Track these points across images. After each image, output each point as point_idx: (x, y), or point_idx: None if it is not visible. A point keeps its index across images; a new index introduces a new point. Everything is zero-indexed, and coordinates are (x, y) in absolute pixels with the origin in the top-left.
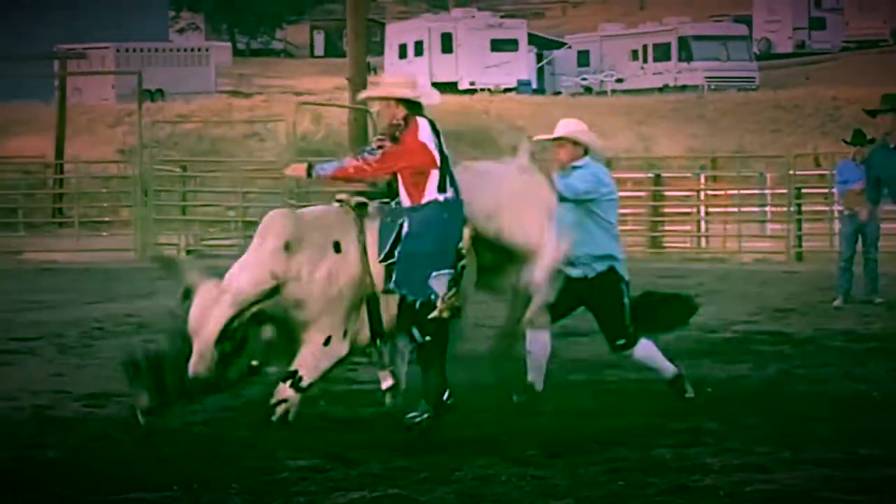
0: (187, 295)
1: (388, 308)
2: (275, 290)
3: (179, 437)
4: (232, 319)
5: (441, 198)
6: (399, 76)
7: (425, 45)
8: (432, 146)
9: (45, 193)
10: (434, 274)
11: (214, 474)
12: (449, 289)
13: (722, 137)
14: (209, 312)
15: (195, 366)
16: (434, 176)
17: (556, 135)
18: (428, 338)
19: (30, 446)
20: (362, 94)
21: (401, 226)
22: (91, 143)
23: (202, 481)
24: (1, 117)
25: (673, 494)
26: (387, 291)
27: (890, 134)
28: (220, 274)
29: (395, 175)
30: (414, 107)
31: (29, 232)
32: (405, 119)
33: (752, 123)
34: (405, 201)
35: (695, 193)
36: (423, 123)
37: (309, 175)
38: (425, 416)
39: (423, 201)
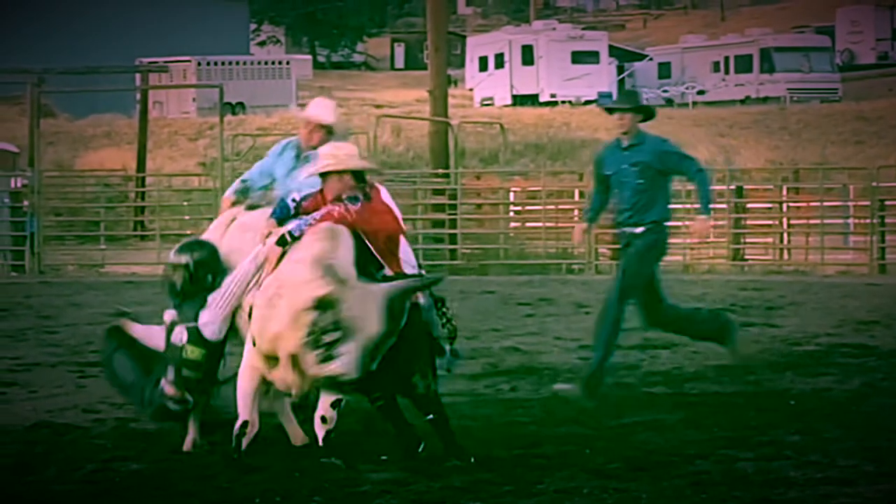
0: None
1: None
2: None
3: (261, 449)
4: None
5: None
6: (347, 147)
7: (506, 58)
8: (396, 210)
9: (127, 206)
10: None
11: (296, 487)
12: None
13: (804, 149)
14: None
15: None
16: (404, 242)
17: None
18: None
19: (113, 459)
20: (312, 171)
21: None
22: (172, 156)
23: (284, 494)
24: (83, 131)
25: None
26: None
27: (627, 133)
28: None
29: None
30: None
31: (110, 245)
32: (362, 184)
33: (835, 135)
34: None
35: (777, 205)
36: (381, 187)
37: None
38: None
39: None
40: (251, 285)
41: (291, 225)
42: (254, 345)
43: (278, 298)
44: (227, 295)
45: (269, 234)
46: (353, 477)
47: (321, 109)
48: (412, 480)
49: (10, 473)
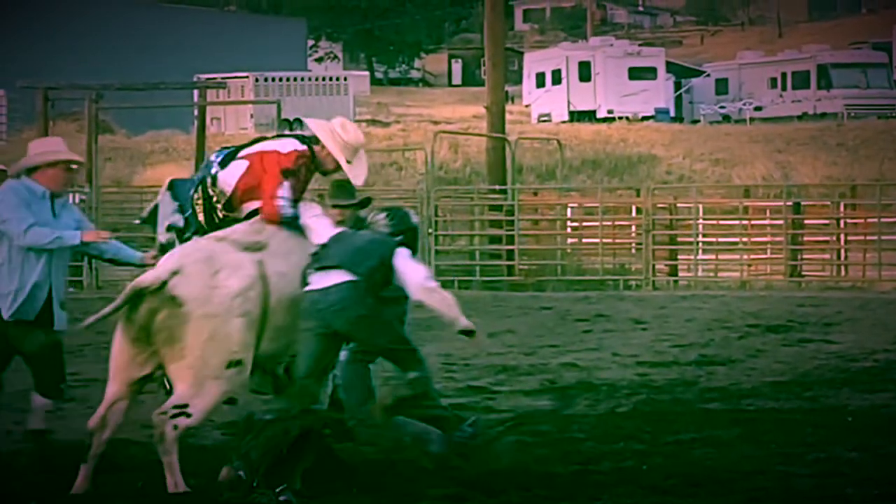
0: None
1: None
2: None
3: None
4: None
5: None
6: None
7: (563, 74)
8: None
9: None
10: None
11: (354, 502)
12: None
13: (861, 165)
14: None
15: None
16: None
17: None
18: None
19: None
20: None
21: None
22: None
23: None
24: (141, 147)
25: None
26: None
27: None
28: None
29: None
30: None
31: None
32: None
33: (892, 151)
34: None
35: (834, 222)
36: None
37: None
38: None
39: None
40: None
41: None
42: None
43: None
44: None
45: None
46: (411, 491)
47: (54, 146)
48: (470, 496)
49: (68, 488)
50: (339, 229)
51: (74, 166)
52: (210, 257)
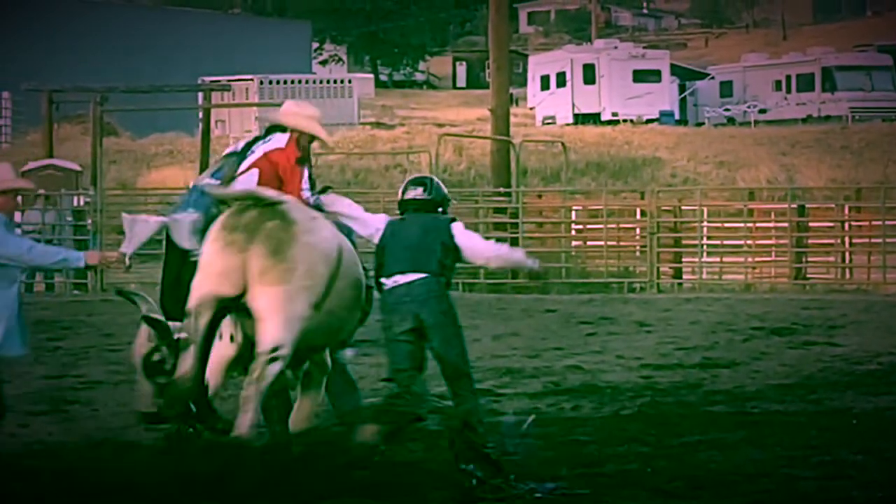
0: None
1: None
2: None
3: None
4: (149, 354)
5: None
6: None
7: (568, 77)
8: None
9: None
10: None
11: None
12: None
13: (866, 168)
14: (138, 349)
15: (139, 402)
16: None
17: None
18: None
19: (176, 474)
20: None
21: None
22: None
23: None
24: (145, 149)
25: None
26: None
27: None
28: None
29: None
30: None
31: None
32: None
33: None
34: None
35: (839, 224)
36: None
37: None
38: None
39: None
40: None
41: None
42: None
43: None
44: None
45: None
46: (413, 494)
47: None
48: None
49: (73, 489)
50: (384, 220)
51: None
52: (306, 206)
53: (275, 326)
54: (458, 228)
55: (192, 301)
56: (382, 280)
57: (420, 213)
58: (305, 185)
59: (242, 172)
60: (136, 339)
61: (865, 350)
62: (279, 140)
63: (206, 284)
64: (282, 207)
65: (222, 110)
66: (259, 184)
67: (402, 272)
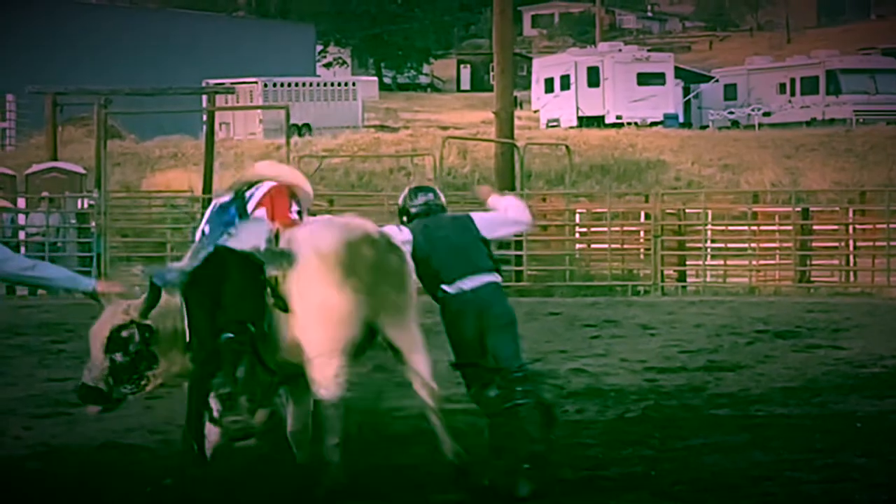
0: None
1: None
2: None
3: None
4: (119, 328)
5: None
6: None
7: (572, 79)
8: None
9: (194, 227)
10: None
11: None
12: None
13: (870, 171)
14: (105, 322)
15: (85, 374)
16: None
17: None
18: None
19: (180, 479)
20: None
21: None
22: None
23: None
24: (149, 152)
25: None
26: None
27: None
28: None
29: None
30: None
31: None
32: None
33: None
34: None
35: (843, 227)
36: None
37: None
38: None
39: None
40: None
41: None
42: None
43: None
44: None
45: None
46: (416, 496)
47: None
48: (474, 502)
49: (76, 493)
50: (407, 232)
51: None
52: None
53: (419, 353)
54: (477, 216)
55: (330, 349)
56: (444, 287)
57: (433, 216)
58: (294, 208)
59: (249, 219)
60: (105, 313)
61: (870, 353)
62: (267, 184)
63: (343, 330)
64: (392, 240)
65: (226, 113)
66: (270, 217)
67: (462, 276)
